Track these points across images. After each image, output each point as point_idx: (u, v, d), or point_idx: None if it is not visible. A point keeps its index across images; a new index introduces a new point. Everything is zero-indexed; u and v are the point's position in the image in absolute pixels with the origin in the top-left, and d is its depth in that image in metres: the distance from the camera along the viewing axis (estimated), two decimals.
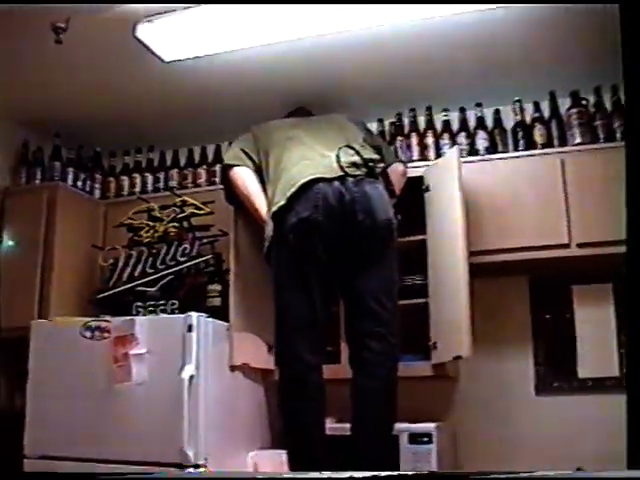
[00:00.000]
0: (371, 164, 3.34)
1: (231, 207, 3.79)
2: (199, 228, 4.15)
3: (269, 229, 3.30)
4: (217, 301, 3.99)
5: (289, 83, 4.06)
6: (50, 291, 4.23)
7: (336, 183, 3.21)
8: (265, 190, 3.50)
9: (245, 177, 3.58)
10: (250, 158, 3.61)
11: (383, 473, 2.10)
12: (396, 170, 3.67)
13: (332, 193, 3.19)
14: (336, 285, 3.36)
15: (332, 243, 3.20)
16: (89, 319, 3.71)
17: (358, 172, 3.28)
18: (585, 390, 3.90)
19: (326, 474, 2.57)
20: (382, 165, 3.45)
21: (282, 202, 3.22)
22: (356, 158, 3.31)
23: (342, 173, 3.24)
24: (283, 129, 3.65)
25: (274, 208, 3.26)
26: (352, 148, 3.35)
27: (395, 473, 2.24)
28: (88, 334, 3.64)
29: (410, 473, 3.22)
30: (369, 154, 3.40)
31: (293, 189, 3.21)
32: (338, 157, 3.28)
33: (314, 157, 3.35)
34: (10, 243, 4.37)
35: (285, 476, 3.15)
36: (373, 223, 3.22)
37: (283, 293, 3.27)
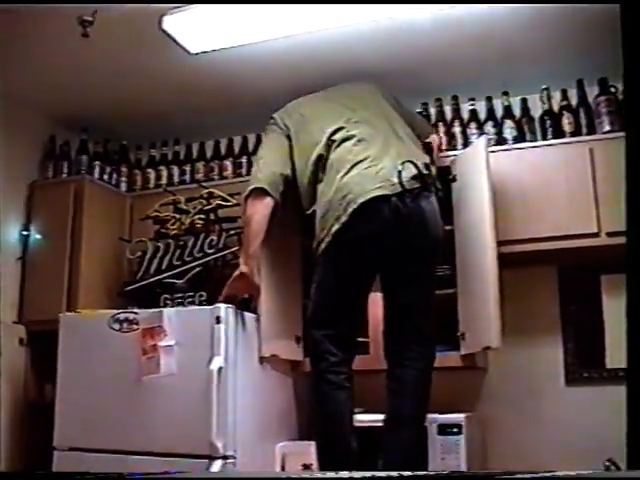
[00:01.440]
0: (425, 175, 3.30)
1: None
2: (226, 220, 4.15)
3: (324, 233, 3.29)
4: None
5: (315, 74, 4.03)
6: (78, 284, 4.27)
7: (394, 198, 3.21)
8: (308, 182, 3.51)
9: (261, 217, 3.49)
10: (285, 178, 3.55)
11: (406, 473, 2.09)
12: (433, 141, 3.76)
13: (389, 209, 3.20)
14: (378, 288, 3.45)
15: (383, 255, 3.26)
16: (117, 311, 3.73)
17: (415, 186, 3.26)
18: (615, 380, 3.84)
19: (344, 474, 2.57)
20: (434, 175, 3.41)
21: (344, 219, 3.21)
22: (414, 171, 3.27)
23: (401, 190, 3.22)
24: (319, 118, 3.59)
25: (336, 226, 3.23)
26: (411, 162, 3.29)
27: (412, 473, 2.23)
28: (116, 326, 3.65)
29: (432, 473, 3.23)
30: (422, 160, 3.36)
31: (355, 205, 3.20)
32: (400, 173, 3.23)
33: (369, 165, 3.31)
34: (38, 236, 4.40)
35: (294, 476, 3.17)
36: (425, 239, 3.28)
37: (322, 290, 3.36)
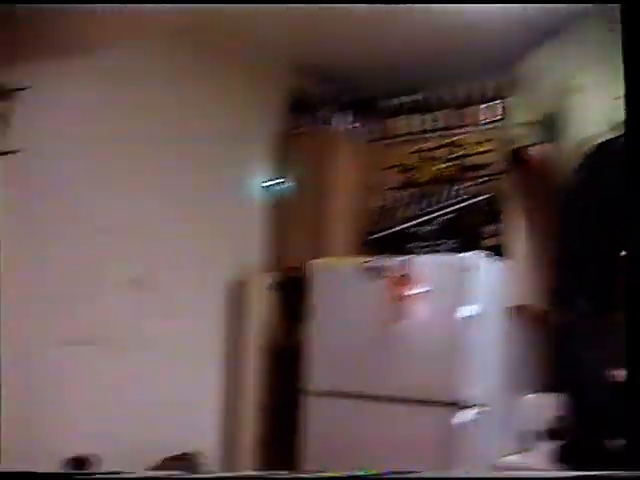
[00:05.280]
0: None
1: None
2: (475, 168, 4.07)
3: None
4: (493, 241, 3.87)
5: None
6: (325, 232, 4.32)
7: None
8: None
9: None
10: None
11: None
12: None
13: None
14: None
15: None
16: (366, 259, 3.76)
17: None
18: None
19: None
20: None
21: None
22: None
23: None
24: None
25: None
26: None
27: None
28: (366, 274, 3.68)
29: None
30: None
31: None
32: None
33: None
34: (287, 185, 4.51)
35: (282, 475, 3.12)
36: None
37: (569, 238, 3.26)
